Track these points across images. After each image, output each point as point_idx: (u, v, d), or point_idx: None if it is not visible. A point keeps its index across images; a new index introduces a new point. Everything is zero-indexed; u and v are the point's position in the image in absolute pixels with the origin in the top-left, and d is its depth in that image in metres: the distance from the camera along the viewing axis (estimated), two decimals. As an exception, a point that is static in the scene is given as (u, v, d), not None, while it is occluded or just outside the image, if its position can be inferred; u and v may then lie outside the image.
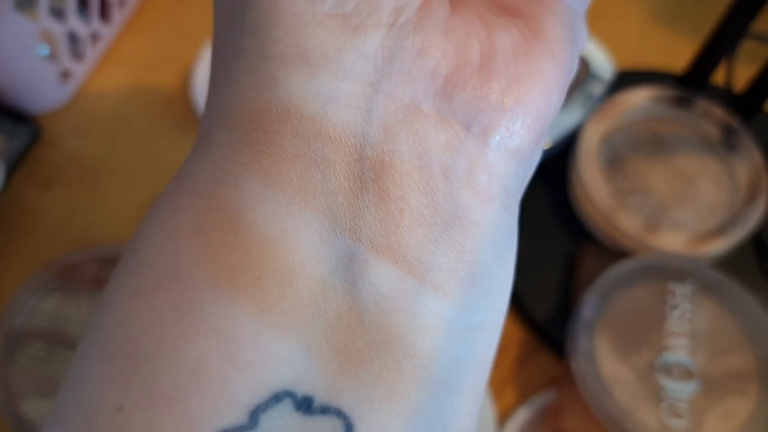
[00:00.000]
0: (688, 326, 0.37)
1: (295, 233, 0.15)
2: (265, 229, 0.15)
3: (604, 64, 0.43)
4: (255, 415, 0.15)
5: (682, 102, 0.43)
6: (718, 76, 0.44)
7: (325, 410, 0.15)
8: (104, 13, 0.47)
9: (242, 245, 0.15)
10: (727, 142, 0.42)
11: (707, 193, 0.42)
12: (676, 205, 0.41)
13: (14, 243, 0.42)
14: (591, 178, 0.40)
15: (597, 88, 0.43)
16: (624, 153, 0.43)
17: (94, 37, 0.48)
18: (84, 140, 0.46)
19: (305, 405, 0.15)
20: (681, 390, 0.35)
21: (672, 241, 0.39)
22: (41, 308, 0.39)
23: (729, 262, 0.41)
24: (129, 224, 0.43)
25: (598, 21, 0.51)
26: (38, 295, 0.39)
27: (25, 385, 0.37)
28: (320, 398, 0.15)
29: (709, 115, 0.43)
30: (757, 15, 0.39)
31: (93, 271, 0.40)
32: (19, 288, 0.39)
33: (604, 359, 0.35)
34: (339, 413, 0.15)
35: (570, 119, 0.42)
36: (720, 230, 0.39)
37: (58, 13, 0.43)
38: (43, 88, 0.45)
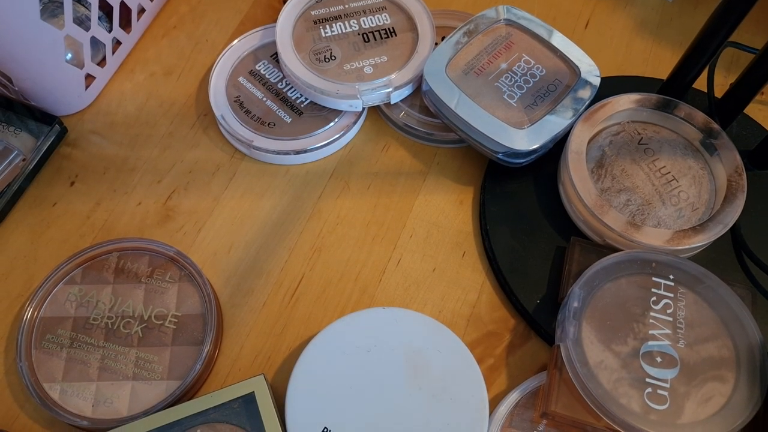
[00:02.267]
0: (670, 316, 0.38)
1: None
2: None
3: (593, 70, 0.45)
4: None
5: (666, 106, 0.44)
6: (701, 82, 0.46)
7: None
8: (125, 21, 0.49)
9: None
10: (708, 144, 0.44)
11: (689, 192, 0.43)
12: (660, 203, 0.42)
13: (41, 234, 0.44)
14: (580, 177, 0.42)
15: (586, 93, 0.44)
16: (611, 154, 0.44)
17: (116, 44, 0.50)
18: (105, 140, 0.48)
19: None
20: (663, 376, 0.36)
21: (656, 236, 0.40)
22: (65, 297, 0.41)
23: (709, 257, 0.43)
24: (147, 218, 0.45)
25: (587, 30, 0.53)
26: (62, 284, 0.42)
27: (51, 369, 0.39)
28: None
29: (692, 119, 0.44)
30: (737, 25, 0.40)
31: (114, 262, 0.42)
32: (45, 277, 0.41)
33: (590, 346, 0.37)
34: None
35: (560, 122, 0.43)
36: (701, 227, 0.41)
37: (81, 21, 0.46)
38: (68, 91, 0.47)
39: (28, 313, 0.40)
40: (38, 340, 0.40)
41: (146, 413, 0.38)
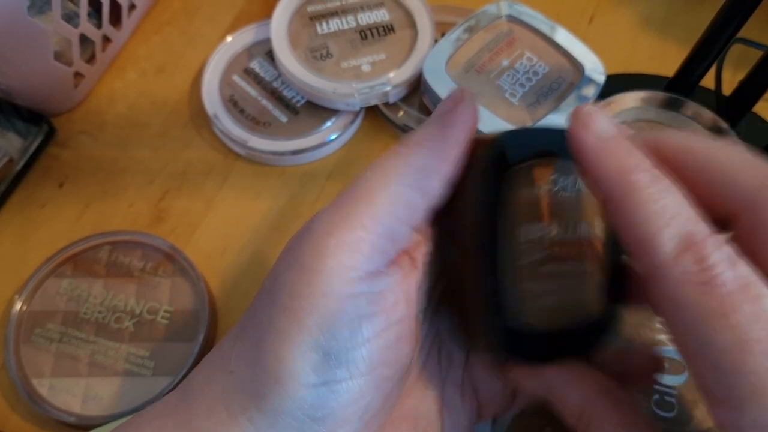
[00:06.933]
0: (677, 321, 0.37)
1: None
2: None
3: (598, 67, 0.44)
4: None
5: (673, 104, 0.43)
6: (708, 80, 0.45)
7: None
8: (115, 17, 0.48)
9: None
10: (716, 144, 0.43)
11: (696, 192, 0.42)
12: (667, 204, 0.42)
13: (29, 237, 0.43)
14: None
15: (590, 91, 0.43)
16: (616, 153, 0.43)
17: (106, 41, 0.48)
18: (95, 140, 0.47)
19: None
20: (671, 382, 0.35)
21: (662, 238, 0.39)
22: (55, 290, 0.40)
23: (717, 259, 0.42)
24: (139, 220, 0.44)
25: (591, 26, 0.52)
26: (53, 278, 0.41)
27: (39, 364, 0.38)
28: None
29: (699, 117, 0.43)
30: (745, 21, 0.39)
31: (105, 255, 0.41)
32: (34, 269, 0.40)
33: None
34: None
35: (564, 120, 0.42)
36: (709, 228, 0.40)
37: (70, 17, 0.44)
38: (57, 90, 0.46)
39: (17, 306, 0.39)
40: (27, 335, 0.39)
41: (136, 410, 0.37)
